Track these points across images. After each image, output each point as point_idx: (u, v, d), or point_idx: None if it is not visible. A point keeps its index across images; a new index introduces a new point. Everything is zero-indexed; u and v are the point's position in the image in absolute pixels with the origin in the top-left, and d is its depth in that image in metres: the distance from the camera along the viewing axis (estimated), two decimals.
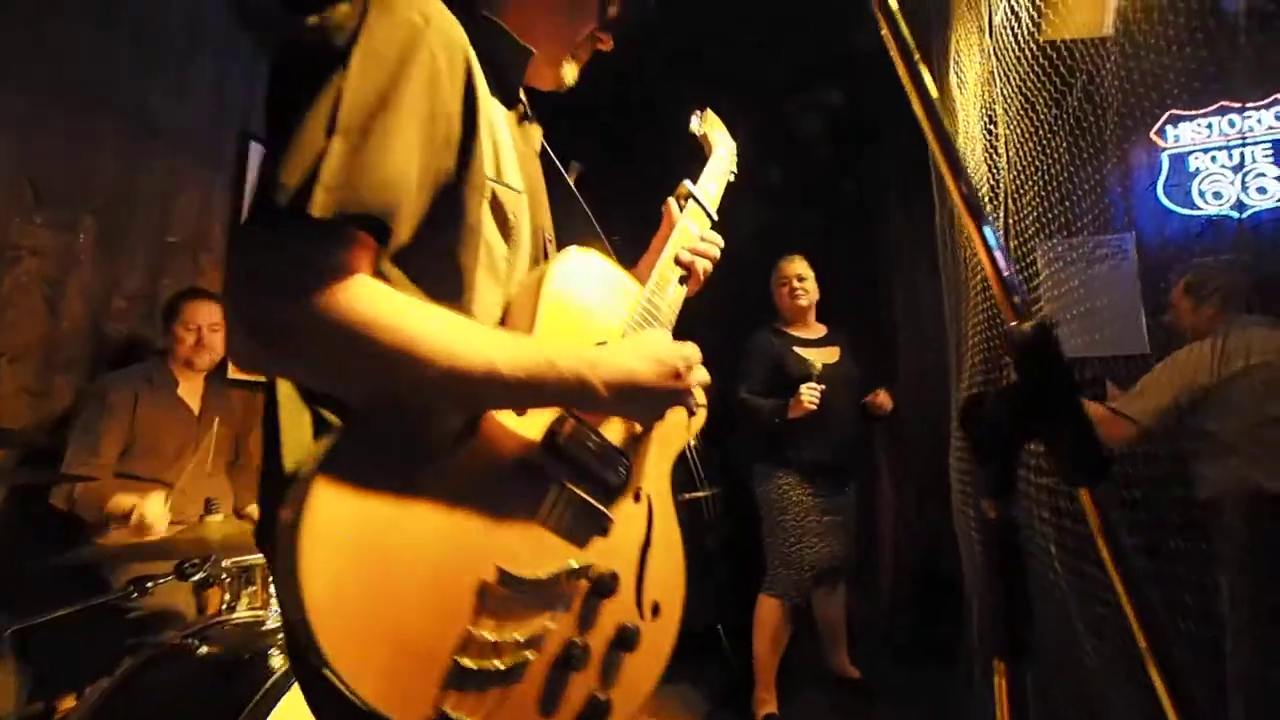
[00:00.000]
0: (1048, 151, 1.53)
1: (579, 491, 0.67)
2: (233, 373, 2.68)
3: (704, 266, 0.91)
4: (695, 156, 1.07)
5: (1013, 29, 1.46)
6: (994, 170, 1.68)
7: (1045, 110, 1.52)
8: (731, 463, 2.83)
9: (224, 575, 1.53)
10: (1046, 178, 1.53)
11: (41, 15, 2.07)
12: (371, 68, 0.55)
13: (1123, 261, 2.87)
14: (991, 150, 1.66)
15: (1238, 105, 2.72)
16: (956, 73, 1.96)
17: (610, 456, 0.70)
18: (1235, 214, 2.69)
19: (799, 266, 2.49)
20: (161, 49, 2.41)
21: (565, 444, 0.66)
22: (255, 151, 2.81)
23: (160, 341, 2.17)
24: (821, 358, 2.37)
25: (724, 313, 3.15)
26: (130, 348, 2.31)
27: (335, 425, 0.59)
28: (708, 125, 1.10)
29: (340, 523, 0.51)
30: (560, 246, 0.76)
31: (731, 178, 1.08)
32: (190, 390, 2.17)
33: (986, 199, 1.72)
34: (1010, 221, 1.56)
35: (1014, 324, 0.44)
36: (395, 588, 0.53)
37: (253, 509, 2.30)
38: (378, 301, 0.53)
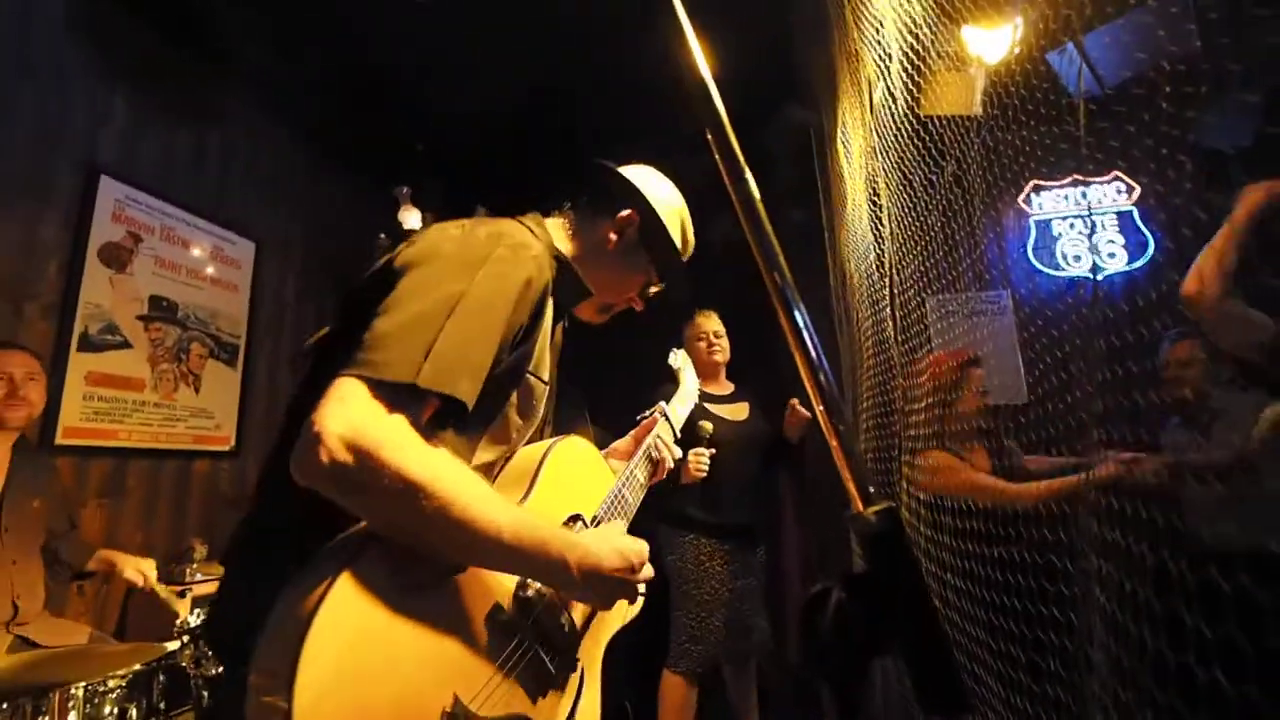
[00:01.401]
0: (925, 217, 1.59)
1: (539, 650, 0.77)
2: (64, 437, 2.31)
3: (667, 462, 1.21)
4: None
5: (889, 108, 1.52)
6: (879, 237, 1.74)
7: (922, 181, 1.58)
8: (631, 527, 2.72)
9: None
10: (928, 239, 1.60)
11: None
12: (490, 288, 0.73)
13: (1002, 316, 3.09)
14: (876, 219, 1.71)
15: (1088, 179, 3.04)
16: (844, 142, 2.04)
17: (571, 632, 0.83)
18: (1092, 275, 2.97)
19: (714, 323, 2.47)
20: None
21: (537, 608, 0.78)
22: (107, 186, 2.49)
23: None
24: (732, 413, 2.35)
25: (628, 363, 3.12)
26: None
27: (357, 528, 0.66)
28: (682, 362, 1.52)
29: (351, 617, 0.58)
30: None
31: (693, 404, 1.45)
32: None
33: (874, 264, 1.77)
34: (895, 290, 1.60)
35: (859, 510, 0.37)
36: (375, 692, 0.59)
37: (107, 554, 1.92)
38: (441, 460, 0.65)
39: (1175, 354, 1.94)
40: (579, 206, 1.03)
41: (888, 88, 1.51)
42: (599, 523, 0.92)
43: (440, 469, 0.63)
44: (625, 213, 1.00)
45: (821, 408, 0.43)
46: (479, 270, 0.72)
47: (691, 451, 2.06)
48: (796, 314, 0.45)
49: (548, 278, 0.81)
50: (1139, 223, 2.99)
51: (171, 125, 2.79)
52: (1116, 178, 3.00)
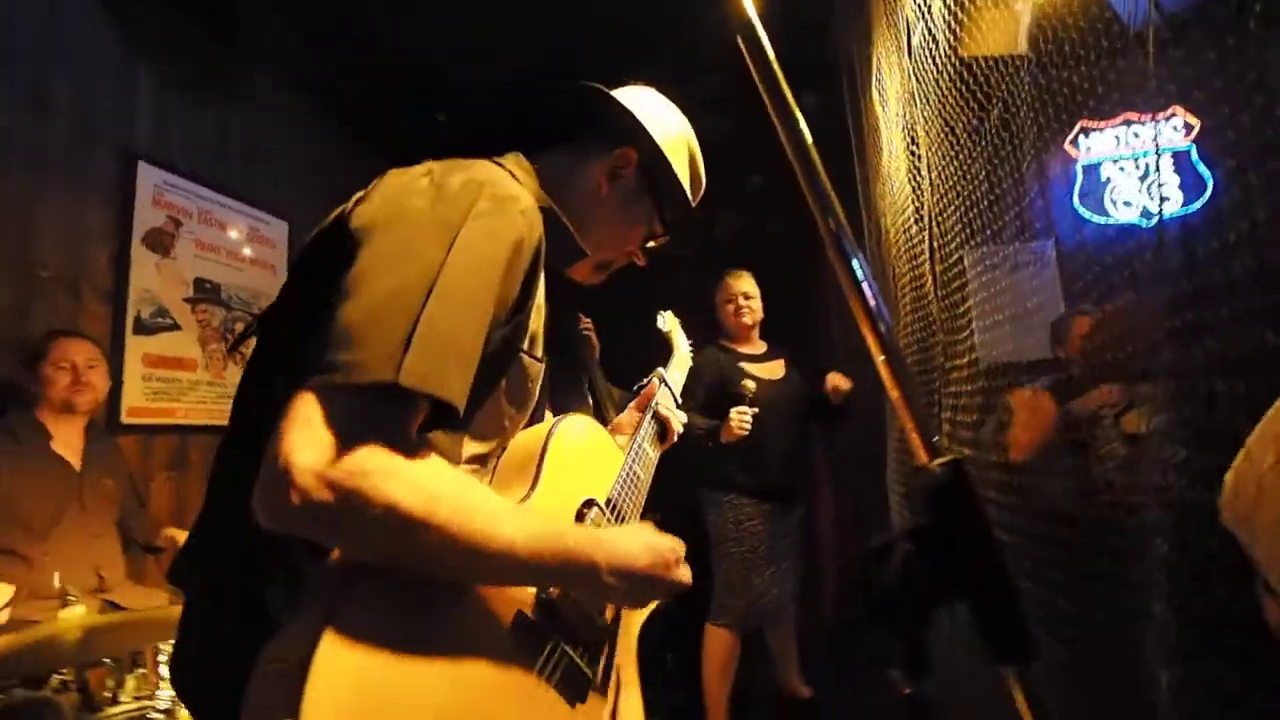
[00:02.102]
0: (969, 166, 1.53)
1: (571, 652, 0.69)
2: (128, 417, 2.43)
3: (675, 427, 1.10)
4: None
5: (930, 51, 1.44)
6: (918, 188, 1.68)
7: (965, 128, 1.51)
8: (672, 486, 2.76)
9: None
10: (969, 189, 1.54)
11: None
12: (474, 255, 0.59)
13: (1044, 268, 2.97)
14: (915, 170, 1.65)
15: (1140, 118, 2.85)
16: (879, 90, 1.95)
17: (598, 627, 0.74)
18: (1144, 221, 2.82)
19: (745, 284, 2.42)
20: (7, 61, 2.14)
21: (563, 608, 0.69)
22: (145, 172, 2.56)
23: (32, 387, 1.91)
24: (768, 372, 2.34)
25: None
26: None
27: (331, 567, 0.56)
28: (671, 325, 1.38)
29: (349, 673, 0.49)
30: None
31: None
32: (67, 442, 1.93)
33: (912, 217, 1.71)
34: (935, 244, 1.55)
35: (924, 464, 0.37)
36: None
37: (170, 532, 2.07)
38: (438, 478, 0.55)
39: (1076, 329, 1.91)
40: (563, 144, 0.86)
41: (928, 29, 1.43)
42: (613, 505, 0.83)
43: (438, 491, 0.54)
44: (621, 150, 0.83)
45: (883, 358, 0.42)
46: (458, 231, 0.58)
47: (735, 410, 2.08)
48: (854, 262, 0.44)
49: (539, 236, 0.67)
50: (1197, 162, 2.81)
51: (201, 108, 2.83)
52: (1175, 114, 2.81)
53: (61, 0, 2.32)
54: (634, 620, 0.84)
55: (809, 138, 0.47)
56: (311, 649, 0.48)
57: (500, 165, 0.76)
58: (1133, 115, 2.84)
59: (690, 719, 2.28)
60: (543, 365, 0.75)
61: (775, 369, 2.40)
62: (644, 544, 0.68)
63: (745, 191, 3.52)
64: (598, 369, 2.80)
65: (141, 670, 1.45)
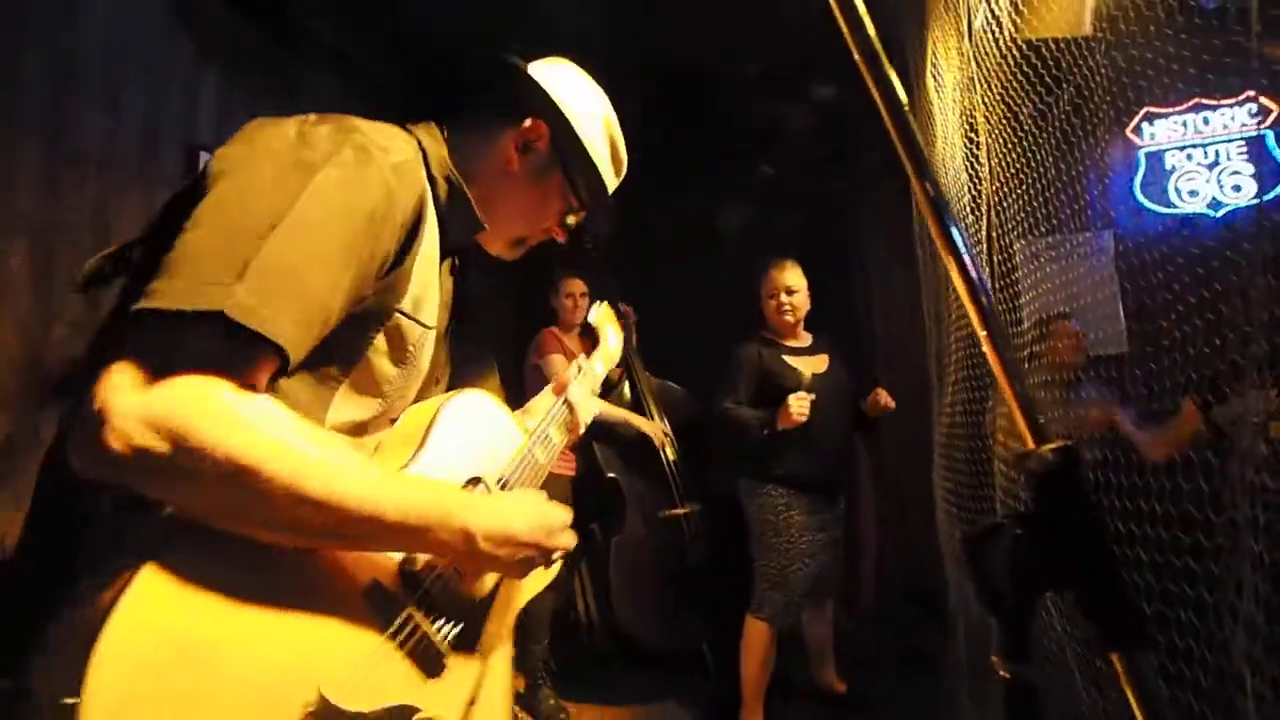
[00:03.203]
0: (1030, 155, 1.48)
1: (426, 626, 0.64)
2: None
3: (581, 418, 1.02)
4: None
5: (993, 34, 1.40)
6: (975, 177, 1.63)
7: (1029, 115, 1.46)
8: (712, 477, 2.77)
9: None
10: (1028, 180, 1.49)
11: None
12: (328, 202, 0.55)
13: (1101, 260, 2.86)
14: (973, 157, 1.60)
15: (1212, 102, 2.71)
16: (934, 75, 1.90)
17: (463, 601, 0.70)
18: (1211, 212, 2.69)
19: (791, 277, 2.33)
20: (84, 65, 2.25)
21: (427, 580, 0.65)
22: (204, 163, 2.66)
23: None
24: (811, 367, 2.31)
25: (702, 317, 3.11)
26: (75, 379, 2.17)
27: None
28: (604, 319, 1.27)
29: (162, 618, 0.45)
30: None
31: (614, 364, 1.22)
32: None
33: (968, 207, 1.66)
34: (994, 233, 1.50)
35: (1032, 449, 0.36)
36: (206, 698, 0.47)
37: None
38: (275, 421, 0.51)
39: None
40: (471, 115, 0.82)
41: (991, 12, 1.38)
42: (506, 485, 0.78)
43: (285, 437, 0.50)
44: (529, 123, 0.79)
45: (985, 333, 0.41)
46: (315, 175, 0.55)
47: (793, 396, 2.06)
48: (953, 229, 0.43)
49: (421, 196, 0.65)
50: (1274, 148, 2.65)
51: (261, 105, 2.93)
52: (1250, 99, 2.66)
53: (131, 6, 2.43)
54: (514, 593, 0.79)
55: (905, 99, 0.47)
56: (118, 593, 0.44)
57: (408, 131, 0.74)
58: (1203, 99, 2.70)
59: (727, 710, 2.29)
60: (430, 331, 0.71)
61: (819, 362, 2.36)
62: (523, 511, 0.66)
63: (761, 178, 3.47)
64: (636, 358, 2.82)
65: None
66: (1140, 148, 2.85)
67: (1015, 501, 1.35)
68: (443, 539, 0.58)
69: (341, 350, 0.62)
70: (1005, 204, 1.44)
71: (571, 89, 0.84)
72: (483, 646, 0.72)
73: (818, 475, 2.22)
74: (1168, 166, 2.81)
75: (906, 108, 0.45)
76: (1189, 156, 2.79)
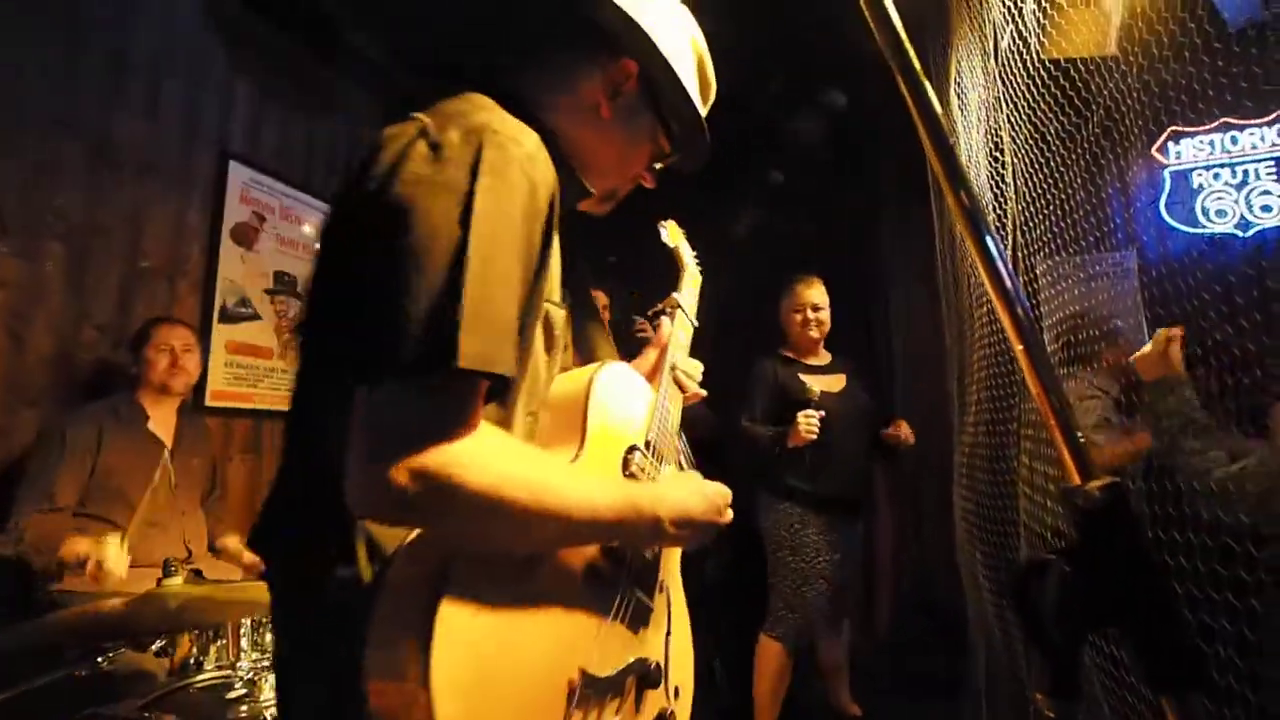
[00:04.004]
0: (1058, 176, 1.47)
1: (639, 593, 0.75)
2: (212, 400, 2.59)
3: (691, 388, 1.00)
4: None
5: (1020, 54, 1.39)
6: (1000, 197, 1.62)
7: (1056, 135, 1.45)
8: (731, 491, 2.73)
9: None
10: (1052, 199, 1.47)
11: (5, 40, 1.97)
12: (493, 218, 0.56)
13: (1125, 279, 2.82)
14: (998, 177, 1.59)
15: (1240, 122, 2.67)
16: (958, 93, 1.89)
17: (654, 562, 0.80)
18: (1240, 232, 2.64)
19: (815, 294, 2.32)
20: (127, 72, 2.32)
21: (628, 555, 0.74)
22: (235, 171, 2.72)
23: (133, 368, 2.06)
24: (827, 385, 2.29)
25: (720, 331, 3.10)
26: (101, 378, 2.21)
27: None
28: (676, 238, 1.19)
29: (466, 640, 0.55)
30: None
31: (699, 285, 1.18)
32: (161, 422, 2.07)
33: (993, 226, 1.65)
34: (1019, 254, 1.49)
35: (1077, 484, 0.36)
36: (508, 697, 0.58)
37: (229, 541, 2.19)
38: (510, 455, 0.58)
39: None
40: (553, 59, 0.75)
41: (1018, 32, 1.38)
42: (651, 446, 0.83)
43: (513, 466, 0.56)
44: (620, 62, 0.73)
45: (1021, 347, 0.40)
46: (472, 195, 0.55)
47: (801, 414, 2.04)
48: (988, 239, 0.42)
49: (552, 177, 0.62)
50: None
51: (291, 113, 2.99)
52: (1279, 118, 2.62)
53: (174, 16, 2.50)
54: (672, 553, 0.87)
55: (938, 107, 0.46)
56: (430, 616, 0.53)
57: (486, 95, 0.67)
58: (1231, 119, 2.67)
59: None
60: (563, 310, 0.72)
61: (835, 381, 2.34)
62: (700, 493, 0.74)
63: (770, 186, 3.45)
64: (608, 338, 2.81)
65: (223, 641, 1.54)
66: (1165, 167, 2.82)
67: (1040, 526, 1.33)
68: (640, 530, 0.67)
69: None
70: (1031, 224, 1.43)
71: (656, 13, 0.75)
72: (664, 589, 0.84)
73: (832, 494, 2.20)
74: (1194, 186, 2.78)
75: (942, 116, 0.46)
76: (1216, 176, 2.75)
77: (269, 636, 1.60)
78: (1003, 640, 1.52)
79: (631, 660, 0.72)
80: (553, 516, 0.58)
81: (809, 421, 2.03)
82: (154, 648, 1.32)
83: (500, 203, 0.57)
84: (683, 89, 0.76)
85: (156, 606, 1.24)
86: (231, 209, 2.71)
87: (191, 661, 1.51)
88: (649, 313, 1.11)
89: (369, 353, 0.53)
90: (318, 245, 0.68)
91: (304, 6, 2.82)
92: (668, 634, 0.82)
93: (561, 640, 0.64)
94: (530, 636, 0.60)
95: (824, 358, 2.40)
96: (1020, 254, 1.46)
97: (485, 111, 0.62)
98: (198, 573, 1.93)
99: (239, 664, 1.50)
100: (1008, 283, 0.43)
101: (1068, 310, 1.71)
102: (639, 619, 0.75)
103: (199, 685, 1.39)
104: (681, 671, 0.84)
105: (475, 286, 0.53)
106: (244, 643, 1.55)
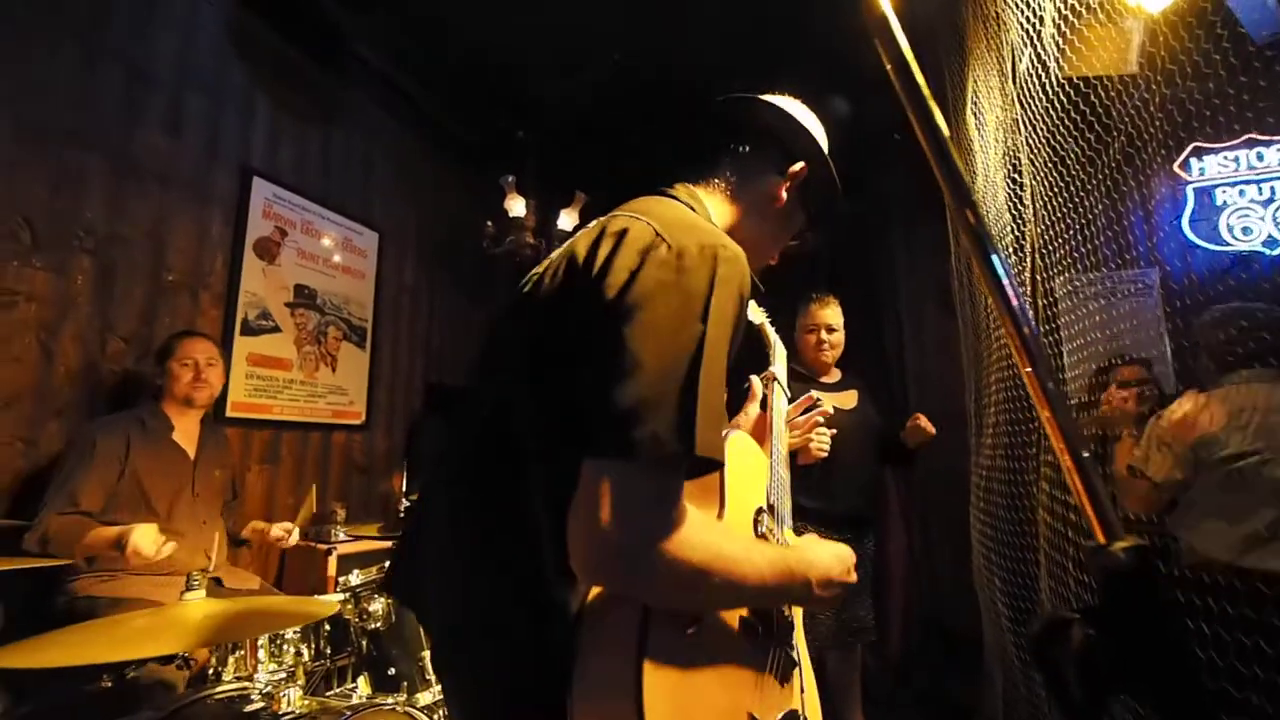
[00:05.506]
0: (1080, 199, 1.45)
1: (785, 649, 0.81)
2: (232, 411, 2.64)
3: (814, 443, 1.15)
4: None
5: (1039, 76, 1.39)
6: (1019, 219, 1.60)
7: (1076, 156, 1.44)
8: None
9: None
10: (1072, 217, 1.46)
11: (29, 56, 2.04)
12: (720, 323, 0.64)
13: (1146, 297, 2.78)
14: (1016, 199, 1.58)
15: (1266, 138, 2.64)
16: (975, 113, 1.89)
17: (791, 619, 0.86)
18: (1268, 250, 2.60)
19: (831, 315, 2.28)
20: (150, 87, 2.38)
21: (774, 614, 0.81)
22: (258, 186, 2.78)
23: (158, 380, 2.10)
24: (839, 402, 2.27)
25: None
26: (125, 390, 2.26)
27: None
28: (761, 315, 1.31)
29: (667, 687, 0.61)
30: None
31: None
32: (185, 433, 2.11)
33: (1011, 248, 1.64)
34: (1038, 277, 1.48)
35: (1101, 543, 0.36)
36: None
37: (256, 523, 2.23)
38: (712, 534, 0.64)
39: (1122, 374, 1.73)
40: (727, 160, 0.88)
41: (1037, 54, 1.38)
42: (772, 508, 0.92)
43: (716, 544, 0.63)
44: (798, 167, 0.87)
45: (1029, 369, 0.40)
46: (708, 300, 0.64)
47: (814, 431, 2.02)
48: (994, 259, 0.42)
49: (749, 282, 0.72)
50: None
51: (306, 127, 3.05)
52: None
53: (196, 34, 2.57)
54: (799, 612, 0.95)
55: (945, 130, 0.47)
56: (638, 673, 0.60)
57: (675, 199, 0.82)
58: (1256, 134, 2.63)
59: None
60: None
61: (847, 398, 2.32)
62: (834, 555, 0.79)
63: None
64: None
65: (240, 653, 1.56)
66: (1188, 183, 2.78)
67: (1062, 555, 1.31)
68: (795, 591, 0.73)
69: None
70: (1051, 247, 1.42)
71: (817, 127, 0.91)
72: (797, 650, 0.89)
73: (843, 513, 2.17)
74: (1219, 203, 2.74)
75: (948, 136, 0.46)
76: (1241, 192, 2.71)
77: (287, 650, 1.62)
78: (1021, 670, 1.49)
79: (786, 711, 0.77)
80: (740, 584, 0.64)
81: (820, 438, 2.01)
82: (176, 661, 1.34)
83: (727, 308, 0.65)
84: (835, 185, 0.90)
85: (179, 623, 1.26)
86: (254, 223, 2.77)
87: (210, 672, 1.53)
88: (744, 386, 1.19)
89: (610, 430, 0.59)
90: (521, 306, 0.75)
91: (320, 23, 2.88)
92: (803, 692, 0.86)
93: (733, 691, 0.70)
94: (712, 686, 0.67)
95: (835, 375, 2.38)
96: (1040, 276, 1.45)
97: (708, 231, 0.71)
98: (216, 580, 1.96)
99: (256, 675, 1.52)
100: (1014, 300, 0.43)
101: (1090, 339, 1.67)
102: (787, 673, 0.80)
103: (217, 696, 1.41)
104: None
105: (706, 381, 0.61)
106: (261, 654, 1.57)
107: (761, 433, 1.08)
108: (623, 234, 0.69)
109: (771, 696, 0.76)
